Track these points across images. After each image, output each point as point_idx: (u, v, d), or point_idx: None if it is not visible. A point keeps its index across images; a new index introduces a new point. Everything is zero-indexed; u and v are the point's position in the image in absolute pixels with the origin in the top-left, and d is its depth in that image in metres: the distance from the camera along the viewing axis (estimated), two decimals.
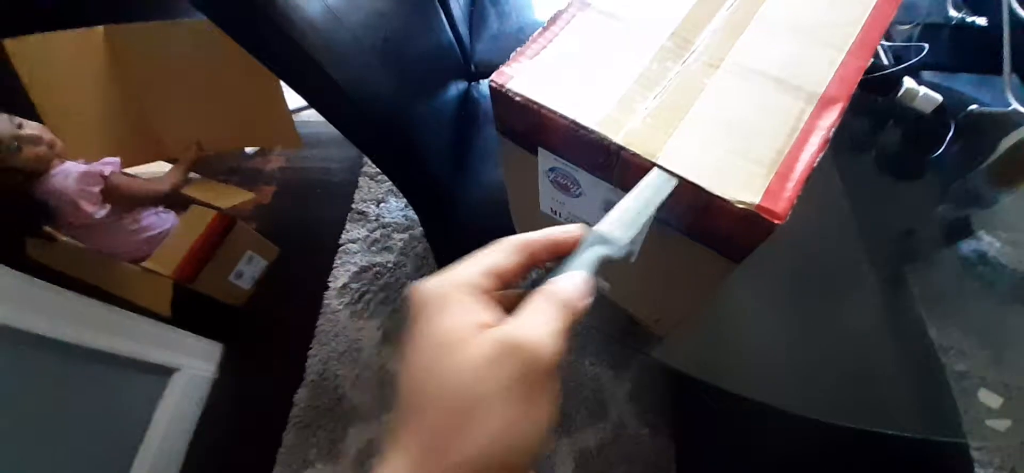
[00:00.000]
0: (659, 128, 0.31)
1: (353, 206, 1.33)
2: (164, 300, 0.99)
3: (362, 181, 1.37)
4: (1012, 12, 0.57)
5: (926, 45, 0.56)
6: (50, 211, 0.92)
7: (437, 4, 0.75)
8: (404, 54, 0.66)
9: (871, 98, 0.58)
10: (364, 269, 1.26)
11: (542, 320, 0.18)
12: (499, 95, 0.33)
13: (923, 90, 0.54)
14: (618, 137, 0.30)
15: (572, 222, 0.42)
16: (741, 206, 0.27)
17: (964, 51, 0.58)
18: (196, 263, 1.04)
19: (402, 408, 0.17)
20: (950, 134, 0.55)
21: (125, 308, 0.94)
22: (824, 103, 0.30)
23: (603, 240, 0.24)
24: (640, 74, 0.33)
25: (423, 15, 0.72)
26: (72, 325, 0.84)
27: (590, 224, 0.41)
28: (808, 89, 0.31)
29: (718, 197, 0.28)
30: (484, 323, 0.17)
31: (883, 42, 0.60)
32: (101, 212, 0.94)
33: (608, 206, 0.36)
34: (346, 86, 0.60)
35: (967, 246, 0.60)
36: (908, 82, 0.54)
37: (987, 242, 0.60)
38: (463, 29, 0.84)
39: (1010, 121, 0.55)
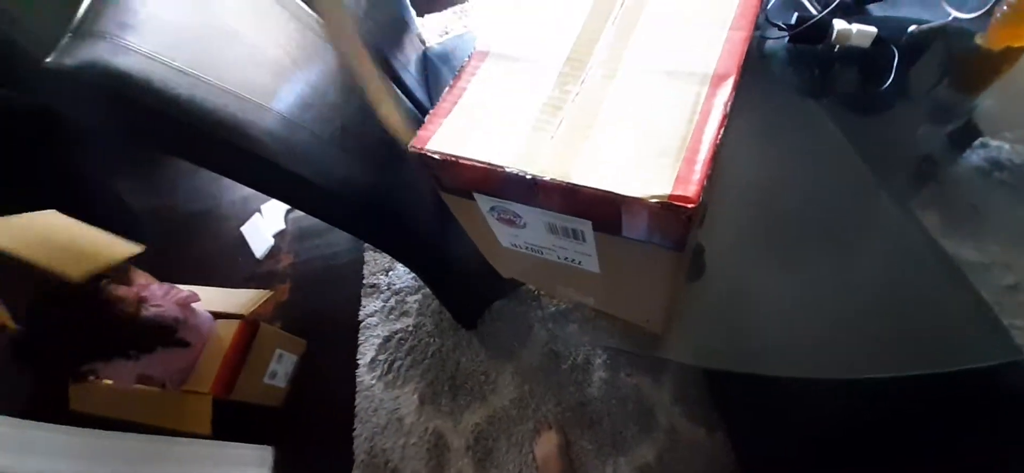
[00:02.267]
0: (570, 148, 0.32)
1: (364, 281, 1.37)
2: (205, 419, 1.03)
3: (367, 256, 1.41)
4: None
5: None
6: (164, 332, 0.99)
7: (387, 79, 0.80)
8: (365, 135, 0.70)
9: (810, 48, 0.58)
10: (387, 339, 1.29)
11: None
12: (420, 158, 0.35)
13: (856, 27, 0.54)
14: (532, 169, 0.32)
15: (530, 254, 0.44)
16: (655, 200, 0.29)
17: None
18: (231, 374, 1.09)
19: None
20: (896, 60, 0.55)
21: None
22: (716, 81, 0.32)
23: None
24: (544, 103, 0.35)
25: None
26: (125, 464, 0.89)
27: (544, 251, 0.42)
28: (700, 72, 0.33)
29: (631, 198, 0.29)
30: None
31: None
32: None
33: (552, 230, 0.38)
34: (315, 179, 0.64)
35: (977, 157, 0.59)
36: (838, 24, 0.54)
37: (996, 147, 0.58)
38: (420, 93, 0.89)
39: (951, 31, 0.54)
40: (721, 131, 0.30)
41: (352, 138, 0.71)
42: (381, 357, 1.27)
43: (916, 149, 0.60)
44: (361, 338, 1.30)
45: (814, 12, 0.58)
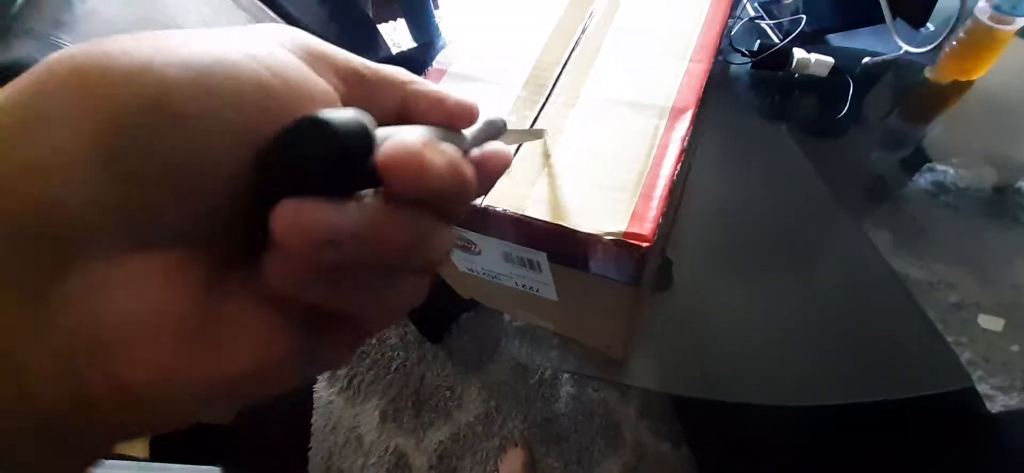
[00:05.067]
0: (524, 177, 0.31)
1: None
2: (141, 440, 0.96)
3: None
4: None
5: (804, 15, 0.57)
6: None
7: None
8: None
9: (770, 74, 0.59)
10: None
11: None
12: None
13: (814, 56, 0.55)
14: (485, 199, 0.30)
15: (487, 279, 0.42)
16: (609, 237, 0.27)
17: (845, 9, 0.60)
18: None
19: None
20: (851, 90, 0.56)
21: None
22: (675, 114, 0.31)
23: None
24: None
25: None
26: None
27: (501, 278, 0.40)
28: (659, 104, 0.32)
29: (585, 234, 0.28)
30: None
31: (768, 20, 0.61)
32: None
33: (508, 258, 0.36)
34: None
35: (924, 181, 0.61)
36: (798, 53, 0.55)
37: (941, 171, 0.60)
38: None
39: (902, 64, 0.56)
40: (678, 166, 0.29)
41: None
42: (341, 371, 1.22)
43: (869, 173, 0.62)
44: None
45: (776, 40, 0.59)
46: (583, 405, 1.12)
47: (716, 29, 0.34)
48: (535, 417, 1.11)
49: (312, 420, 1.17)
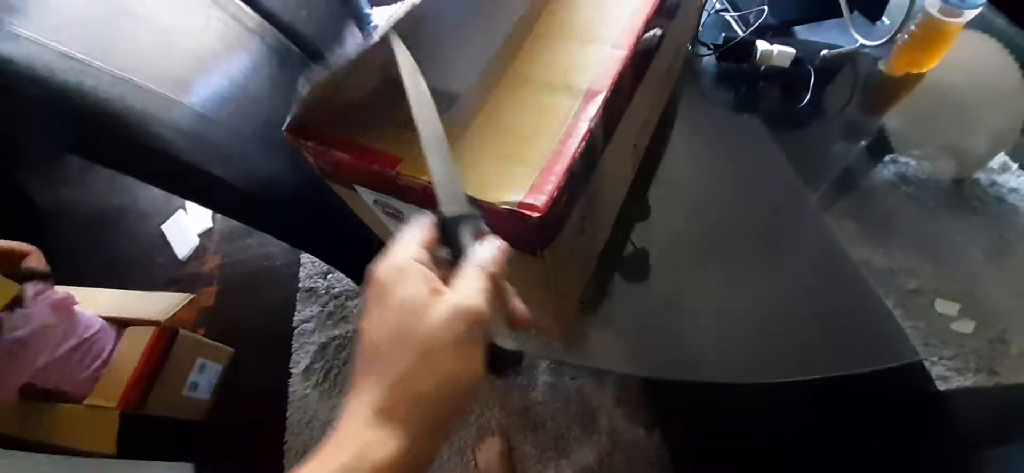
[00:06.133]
0: None
1: (300, 285, 1.30)
2: (109, 437, 0.94)
3: (304, 258, 1.35)
4: None
5: (766, 7, 0.59)
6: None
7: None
8: None
9: (737, 66, 0.60)
10: (324, 346, 1.23)
11: (476, 287, 0.23)
12: (297, 146, 0.34)
13: (777, 48, 0.56)
14: (396, 166, 0.31)
15: None
16: (505, 207, 0.29)
17: (807, 1, 0.61)
18: (143, 386, 1.00)
19: (368, 360, 0.22)
20: (812, 80, 0.58)
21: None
22: (588, 97, 0.32)
23: (456, 217, 0.26)
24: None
25: None
26: None
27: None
28: (576, 87, 0.33)
29: (485, 202, 0.29)
30: (436, 290, 0.22)
31: (733, 13, 0.63)
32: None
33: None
34: (233, 179, 0.59)
35: (888, 172, 0.62)
36: (761, 44, 0.56)
37: (903, 163, 0.62)
38: None
39: (859, 56, 0.58)
40: (583, 144, 0.30)
41: (278, 133, 0.66)
42: (317, 365, 1.21)
43: (833, 163, 0.64)
44: (295, 345, 1.23)
45: (740, 33, 0.60)
46: (560, 392, 1.13)
47: (642, 17, 0.36)
48: (512, 405, 1.12)
49: (288, 414, 1.15)
